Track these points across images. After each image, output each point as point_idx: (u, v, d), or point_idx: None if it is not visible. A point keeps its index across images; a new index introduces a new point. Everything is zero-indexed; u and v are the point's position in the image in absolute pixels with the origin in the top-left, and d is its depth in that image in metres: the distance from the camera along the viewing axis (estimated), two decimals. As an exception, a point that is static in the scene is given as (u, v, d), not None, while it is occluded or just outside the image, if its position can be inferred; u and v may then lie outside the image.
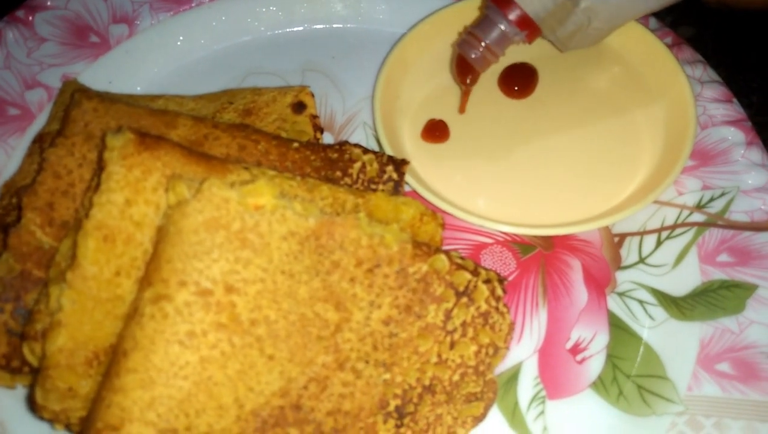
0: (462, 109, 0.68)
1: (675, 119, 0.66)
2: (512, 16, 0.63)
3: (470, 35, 0.65)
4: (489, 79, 0.70)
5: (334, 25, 0.78)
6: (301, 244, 0.49)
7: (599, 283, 0.62)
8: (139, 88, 0.73)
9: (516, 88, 0.69)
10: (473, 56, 0.65)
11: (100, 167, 0.51)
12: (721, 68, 0.73)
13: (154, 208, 0.50)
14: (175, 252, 0.46)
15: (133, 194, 0.49)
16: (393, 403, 0.51)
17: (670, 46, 0.70)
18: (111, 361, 0.47)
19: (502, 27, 0.63)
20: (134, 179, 0.49)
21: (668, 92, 0.67)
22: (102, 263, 0.49)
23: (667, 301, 0.61)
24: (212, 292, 0.46)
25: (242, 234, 0.47)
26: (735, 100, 0.69)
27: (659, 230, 0.64)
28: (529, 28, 0.63)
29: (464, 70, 0.66)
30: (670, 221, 0.64)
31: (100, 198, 0.49)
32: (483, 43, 0.64)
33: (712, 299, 0.60)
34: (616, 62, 0.71)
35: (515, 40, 0.65)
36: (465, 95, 0.68)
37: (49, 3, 0.74)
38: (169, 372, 0.45)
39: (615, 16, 0.62)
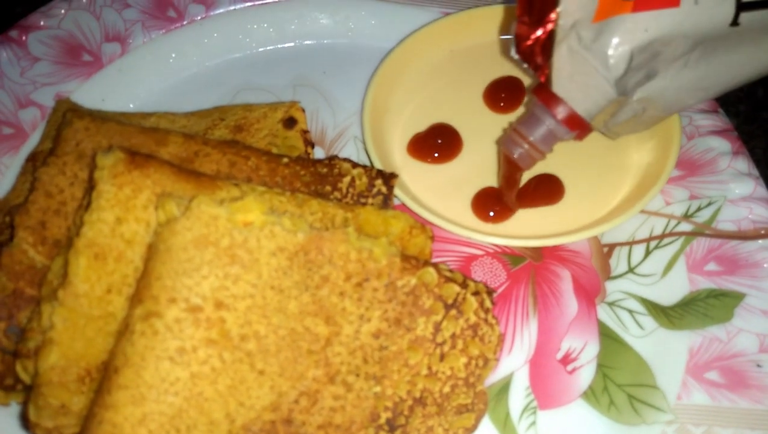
0: (510, 207, 0.64)
1: (661, 130, 0.66)
2: (561, 115, 0.57)
3: (515, 132, 0.61)
4: (474, 93, 0.71)
5: (325, 41, 0.78)
6: (290, 259, 0.49)
7: (589, 293, 0.63)
8: (132, 106, 0.74)
9: (502, 104, 0.70)
10: (516, 154, 0.61)
11: (90, 185, 0.51)
12: (707, 78, 0.74)
13: (144, 226, 0.50)
14: (164, 269, 0.47)
15: (124, 212, 0.50)
16: (384, 416, 0.51)
17: (655, 58, 0.71)
18: (102, 378, 0.47)
19: (549, 125, 0.59)
20: (124, 198, 0.50)
21: (654, 103, 0.68)
22: (93, 280, 0.49)
23: (656, 310, 0.61)
24: (202, 308, 0.47)
25: (231, 250, 0.48)
26: (721, 110, 0.70)
27: (648, 240, 0.65)
28: (579, 127, 0.58)
29: (508, 166, 0.62)
30: (658, 231, 0.65)
31: (90, 216, 0.49)
32: (528, 141, 0.60)
33: (700, 308, 0.60)
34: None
35: (564, 138, 0.60)
36: (510, 190, 0.64)
37: (42, 23, 0.75)
38: (159, 388, 0.46)
39: (671, 105, 0.57)
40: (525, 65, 0.58)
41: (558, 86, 0.57)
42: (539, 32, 0.55)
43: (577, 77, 0.55)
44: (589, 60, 0.54)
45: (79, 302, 0.49)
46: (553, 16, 0.54)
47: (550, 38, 0.55)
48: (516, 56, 0.58)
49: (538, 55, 0.56)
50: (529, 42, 0.56)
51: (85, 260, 0.49)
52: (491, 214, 0.64)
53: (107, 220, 0.49)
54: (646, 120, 0.58)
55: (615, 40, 0.53)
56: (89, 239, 0.49)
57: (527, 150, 0.60)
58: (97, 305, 0.49)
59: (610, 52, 0.53)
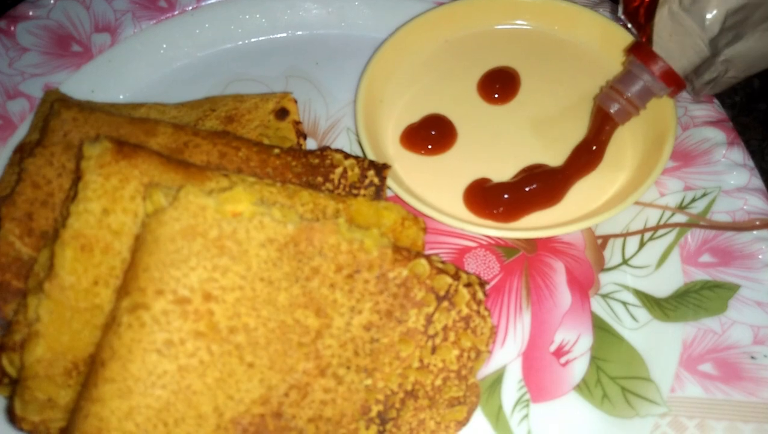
0: (599, 157, 0.66)
1: (656, 120, 0.66)
2: (658, 71, 0.62)
3: (611, 89, 0.65)
4: (469, 83, 0.71)
5: (318, 32, 0.78)
6: (280, 251, 0.48)
7: (582, 285, 0.62)
8: (122, 97, 0.73)
9: (496, 95, 0.70)
10: (613, 109, 0.64)
11: (77, 176, 0.50)
12: (702, 69, 0.74)
13: (132, 216, 0.50)
14: (152, 261, 0.46)
15: (111, 203, 0.49)
16: (375, 409, 0.51)
17: (651, 48, 0.70)
18: (89, 371, 0.47)
19: (646, 81, 0.63)
20: (111, 188, 0.49)
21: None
22: (80, 272, 0.48)
23: (650, 302, 0.61)
24: (190, 300, 0.46)
25: (220, 242, 0.47)
26: (716, 100, 0.70)
27: (642, 232, 0.64)
28: (675, 83, 0.62)
29: (603, 121, 0.65)
30: (652, 223, 0.64)
31: (77, 207, 0.49)
32: (624, 96, 0.64)
33: (694, 300, 0.60)
34: (597, 65, 0.71)
35: (659, 94, 0.64)
36: (603, 145, 0.66)
37: (31, 13, 0.74)
38: (146, 381, 0.45)
39: (751, 66, 0.61)
40: (629, 25, 0.67)
41: (658, 45, 0.62)
42: None
43: (676, 37, 0.60)
44: (687, 21, 0.59)
45: (65, 295, 0.48)
46: None
47: (654, 1, 0.61)
48: (623, 17, 0.66)
49: (642, 17, 0.64)
50: (636, 3, 0.65)
51: (72, 251, 0.48)
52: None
53: (94, 211, 0.49)
54: (725, 81, 0.62)
55: (712, 3, 0.57)
56: (76, 230, 0.48)
57: (624, 105, 0.64)
58: (84, 298, 0.49)
59: (707, 14, 0.58)
